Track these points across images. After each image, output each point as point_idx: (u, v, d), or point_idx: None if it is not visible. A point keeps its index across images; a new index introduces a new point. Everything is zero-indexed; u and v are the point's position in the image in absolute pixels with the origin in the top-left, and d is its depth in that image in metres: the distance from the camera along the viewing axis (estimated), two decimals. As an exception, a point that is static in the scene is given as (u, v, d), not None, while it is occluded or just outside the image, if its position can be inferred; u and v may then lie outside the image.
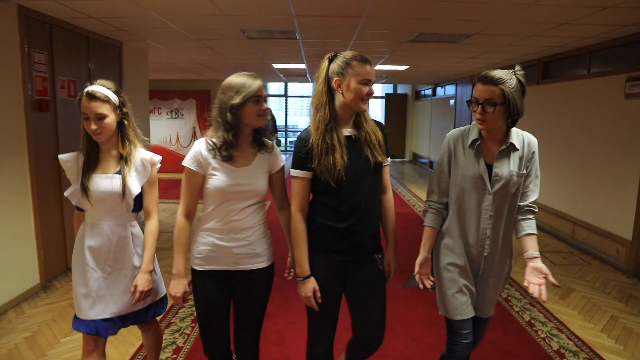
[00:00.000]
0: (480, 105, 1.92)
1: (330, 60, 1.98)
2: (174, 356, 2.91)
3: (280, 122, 15.52)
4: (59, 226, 4.34)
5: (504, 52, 5.96)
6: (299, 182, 1.99)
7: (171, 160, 11.42)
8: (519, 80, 1.92)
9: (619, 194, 4.73)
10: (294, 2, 3.62)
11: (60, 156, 2.08)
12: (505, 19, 4.04)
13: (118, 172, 2.03)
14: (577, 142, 5.53)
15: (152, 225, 2.11)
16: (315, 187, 2.02)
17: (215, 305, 2.04)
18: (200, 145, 1.97)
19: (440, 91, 12.00)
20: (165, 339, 3.08)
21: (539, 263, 1.91)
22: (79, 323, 2.03)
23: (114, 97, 1.99)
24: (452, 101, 10.81)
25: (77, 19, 4.27)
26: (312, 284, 1.98)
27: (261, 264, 2.07)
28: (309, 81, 13.07)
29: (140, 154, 2.08)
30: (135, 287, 2.00)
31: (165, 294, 2.26)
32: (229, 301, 2.09)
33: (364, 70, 1.91)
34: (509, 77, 1.90)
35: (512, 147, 2.00)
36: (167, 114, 11.48)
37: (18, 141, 3.77)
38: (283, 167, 2.12)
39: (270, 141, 2.09)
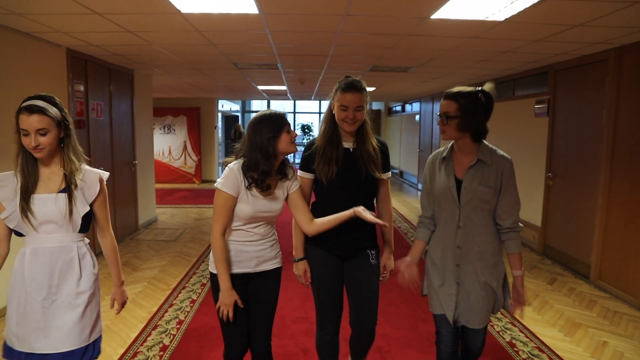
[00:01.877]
0: (440, 117, 2.13)
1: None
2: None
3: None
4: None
5: (446, 79, 7.30)
6: (301, 182, 2.32)
7: (164, 171, 12.47)
8: (482, 97, 2.08)
9: (532, 191, 6.01)
10: (276, 46, 4.84)
11: None
12: (439, 57, 5.32)
13: (62, 191, 1.91)
14: (502, 149, 6.83)
15: (109, 241, 2.10)
16: (315, 188, 2.37)
17: (239, 305, 2.16)
18: (236, 173, 2.10)
19: (408, 108, 13.35)
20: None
21: (517, 284, 2.16)
22: (8, 352, 1.94)
23: (54, 112, 1.86)
24: (417, 117, 12.15)
25: (104, 55, 5.42)
26: (304, 265, 2.36)
27: (275, 265, 2.30)
28: (289, 99, 14.35)
29: (86, 171, 1.99)
30: (114, 301, 2.13)
31: (100, 336, 2.09)
32: (247, 302, 2.24)
33: (342, 98, 2.20)
34: (468, 94, 2.08)
35: (481, 163, 2.13)
36: (160, 129, 12.52)
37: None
38: (300, 186, 2.29)
39: (291, 171, 2.26)
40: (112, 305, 2.13)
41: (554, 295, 4.49)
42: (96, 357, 2.04)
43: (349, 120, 2.20)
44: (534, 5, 3.10)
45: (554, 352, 3.32)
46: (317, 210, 2.30)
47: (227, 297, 2.10)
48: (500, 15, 3.37)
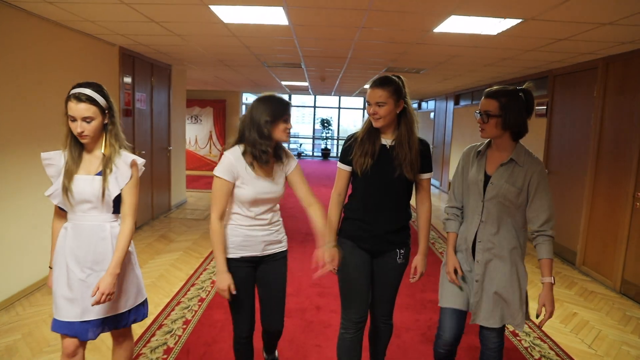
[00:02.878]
0: (480, 115, 2.14)
1: None
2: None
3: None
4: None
5: (457, 80, 7.86)
6: (339, 173, 2.38)
7: (190, 159, 13.22)
8: (523, 96, 2.09)
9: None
10: (302, 49, 5.48)
11: (42, 154, 2.04)
12: (445, 62, 5.90)
13: (99, 174, 2.01)
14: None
15: (126, 228, 2.05)
16: (353, 181, 2.37)
17: (248, 286, 2.29)
18: (231, 159, 2.17)
19: (424, 105, 13.88)
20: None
21: (545, 292, 2.11)
22: (57, 325, 2.01)
23: (101, 100, 1.97)
24: (432, 114, 12.69)
25: (148, 52, 6.13)
26: (333, 251, 2.24)
27: (282, 248, 2.38)
28: (310, 94, 14.98)
29: (122, 157, 2.06)
30: (97, 288, 1.94)
31: (146, 299, 2.26)
32: (254, 283, 2.36)
33: (369, 94, 2.25)
34: (509, 92, 2.08)
35: (514, 163, 2.13)
36: (188, 119, 13.27)
37: (113, 136, 5.61)
38: (298, 166, 2.34)
39: (284, 153, 2.32)
40: (94, 293, 1.94)
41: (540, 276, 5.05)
42: (142, 318, 2.24)
43: (373, 116, 2.23)
44: (519, 24, 3.68)
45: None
46: (352, 202, 2.37)
47: (221, 281, 2.16)
48: (493, 30, 3.95)
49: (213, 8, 3.59)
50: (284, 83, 10.40)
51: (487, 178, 2.18)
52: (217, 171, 2.16)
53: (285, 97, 2.88)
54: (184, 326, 3.47)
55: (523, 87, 2.12)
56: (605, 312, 4.12)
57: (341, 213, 2.42)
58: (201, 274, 4.67)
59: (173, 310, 3.77)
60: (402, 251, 2.36)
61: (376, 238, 2.31)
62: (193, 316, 3.67)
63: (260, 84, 10.74)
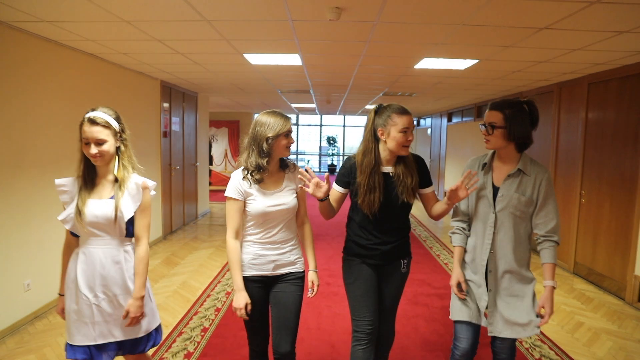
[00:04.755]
0: (485, 127, 2.14)
1: (376, 113, 2.25)
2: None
3: (292, 147, 18.50)
4: (170, 198, 7.33)
5: (446, 101, 9.01)
6: (332, 193, 2.36)
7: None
8: (526, 109, 2.10)
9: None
10: (311, 80, 6.66)
11: (56, 180, 2.05)
12: (431, 87, 7.05)
13: (112, 197, 2.03)
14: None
15: (142, 251, 2.08)
16: (354, 210, 2.38)
17: (260, 306, 2.26)
18: (237, 178, 2.20)
19: (422, 122, 15.05)
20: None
21: (546, 295, 2.09)
22: (72, 350, 2.02)
23: (114, 124, 2.01)
24: (429, 130, 13.83)
25: (182, 84, 7.35)
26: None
27: (295, 269, 2.32)
28: (317, 114, 16.21)
29: (134, 179, 2.09)
30: (128, 312, 2.01)
31: (160, 324, 2.27)
32: (267, 303, 2.31)
33: (402, 121, 2.17)
34: (513, 104, 2.10)
35: (521, 173, 2.14)
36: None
37: (156, 156, 6.79)
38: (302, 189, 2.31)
39: (292, 161, 2.35)
40: (125, 316, 2.03)
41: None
42: (156, 343, 2.23)
43: (408, 144, 2.21)
44: (477, 63, 4.82)
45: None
46: (352, 227, 2.41)
47: (238, 299, 2.15)
48: (460, 66, 5.10)
49: (246, 55, 4.77)
50: (293, 105, 11.60)
51: (495, 190, 2.20)
52: (227, 192, 2.22)
53: (293, 117, 3.27)
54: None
55: (527, 99, 2.16)
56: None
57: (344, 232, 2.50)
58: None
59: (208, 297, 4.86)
60: (405, 261, 2.43)
61: (382, 255, 2.35)
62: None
63: (272, 105, 11.95)
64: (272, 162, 2.22)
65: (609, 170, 4.98)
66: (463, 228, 2.32)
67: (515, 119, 2.09)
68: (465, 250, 2.32)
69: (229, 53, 4.66)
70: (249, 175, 2.18)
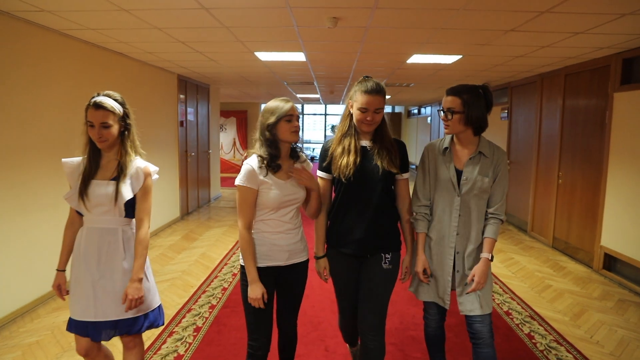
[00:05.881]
0: (444, 113, 2.19)
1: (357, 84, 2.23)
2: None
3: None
4: (187, 183, 8.00)
5: (441, 91, 9.54)
6: (320, 182, 2.32)
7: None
8: (482, 94, 2.15)
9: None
10: (315, 73, 7.26)
11: (64, 160, 2.11)
12: (425, 78, 7.63)
13: (114, 179, 2.08)
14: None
15: (142, 234, 2.11)
16: (336, 193, 2.30)
17: (268, 297, 2.20)
18: (250, 167, 2.14)
19: (423, 111, 15.59)
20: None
21: (479, 266, 2.19)
22: (72, 325, 2.08)
23: (118, 108, 2.06)
24: (429, 119, 14.38)
25: (196, 77, 7.97)
26: (324, 263, 2.35)
27: (303, 257, 2.34)
28: (321, 103, 16.79)
29: (137, 163, 2.12)
30: (126, 295, 2.03)
31: (160, 305, 2.26)
32: (273, 294, 2.29)
33: (362, 99, 2.16)
34: (470, 89, 2.15)
35: (481, 155, 2.20)
36: (214, 128, 15.15)
37: (174, 144, 7.44)
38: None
39: (303, 154, 2.35)
40: (124, 300, 2.04)
41: (499, 240, 6.75)
42: (158, 325, 2.25)
43: (368, 122, 2.18)
44: (461, 58, 5.41)
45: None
46: (333, 207, 2.34)
47: (254, 291, 2.12)
48: (448, 61, 5.68)
49: (256, 53, 5.39)
50: (298, 95, 12.20)
51: (458, 173, 2.24)
52: (240, 180, 2.14)
53: (298, 106, 2.99)
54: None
55: (482, 84, 2.20)
56: (534, 257, 5.80)
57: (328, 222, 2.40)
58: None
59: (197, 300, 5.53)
60: (387, 256, 2.28)
61: (358, 242, 2.26)
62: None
63: (278, 96, 12.47)
64: (283, 150, 2.22)
65: (581, 153, 5.58)
66: (426, 213, 2.33)
67: (473, 104, 2.15)
68: (428, 236, 2.34)
69: (242, 52, 5.27)
70: (264, 164, 2.15)
